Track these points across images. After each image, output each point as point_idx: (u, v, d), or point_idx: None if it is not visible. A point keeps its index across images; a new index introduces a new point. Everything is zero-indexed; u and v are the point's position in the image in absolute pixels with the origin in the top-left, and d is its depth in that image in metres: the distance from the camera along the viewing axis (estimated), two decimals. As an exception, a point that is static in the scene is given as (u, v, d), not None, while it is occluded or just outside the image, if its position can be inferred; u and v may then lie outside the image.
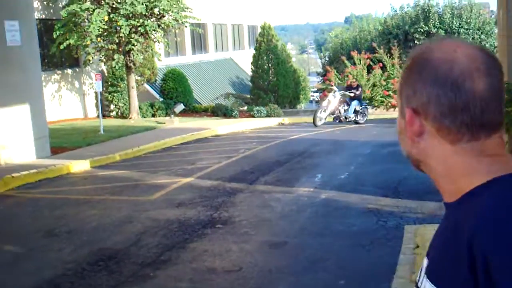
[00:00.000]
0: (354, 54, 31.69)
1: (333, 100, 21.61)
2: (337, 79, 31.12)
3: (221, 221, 8.32)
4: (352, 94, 22.13)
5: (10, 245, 7.81)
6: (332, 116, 21.87)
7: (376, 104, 29.69)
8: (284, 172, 12.02)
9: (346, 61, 31.52)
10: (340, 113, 21.92)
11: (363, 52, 32.51)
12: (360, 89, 23.05)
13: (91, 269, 6.64)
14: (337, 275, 6.26)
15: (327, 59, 41.41)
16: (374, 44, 33.38)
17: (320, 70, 47.55)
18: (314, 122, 20.88)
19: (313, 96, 46.16)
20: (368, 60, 31.43)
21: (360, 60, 31.08)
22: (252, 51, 36.67)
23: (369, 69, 31.06)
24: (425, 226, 7.55)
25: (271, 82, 33.86)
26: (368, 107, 30.02)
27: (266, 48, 34.30)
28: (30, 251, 7.49)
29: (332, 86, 22.79)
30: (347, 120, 22.01)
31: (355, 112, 22.20)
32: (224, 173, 12.04)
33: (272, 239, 7.51)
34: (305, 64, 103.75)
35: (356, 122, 22.09)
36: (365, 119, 22.62)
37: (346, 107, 22.04)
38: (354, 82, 23.43)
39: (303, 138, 18.12)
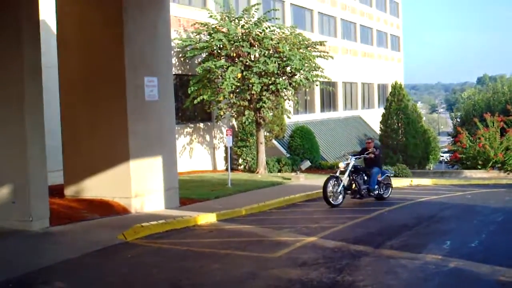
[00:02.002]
0: (487, 116, 30.96)
1: (346, 168, 16.69)
2: (468, 141, 30.33)
3: (344, 285, 8.16)
4: (372, 156, 17.38)
5: (137, 295, 8.03)
6: (348, 191, 16.78)
7: (509, 169, 28.62)
8: (411, 237, 11.71)
9: (478, 123, 30.79)
10: (358, 186, 16.87)
11: (497, 114, 31.68)
12: (378, 151, 17.99)
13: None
14: None
15: (459, 120, 40.53)
16: (509, 107, 32.41)
17: (450, 130, 46.54)
18: (326, 201, 16.00)
19: (442, 156, 45.19)
20: (502, 123, 30.58)
21: (493, 123, 30.29)
22: (382, 110, 36.49)
23: (503, 132, 30.17)
24: None
25: (400, 142, 33.50)
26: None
27: (397, 108, 34.04)
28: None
29: (346, 154, 18.33)
30: (370, 194, 17.16)
31: (378, 183, 17.41)
32: (348, 235, 11.88)
33: (397, 307, 7.29)
34: (435, 123, 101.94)
35: (379, 197, 17.52)
36: (389, 192, 18.02)
37: (365, 178, 17.18)
38: (369, 142, 18.01)
39: (432, 201, 17.65)
